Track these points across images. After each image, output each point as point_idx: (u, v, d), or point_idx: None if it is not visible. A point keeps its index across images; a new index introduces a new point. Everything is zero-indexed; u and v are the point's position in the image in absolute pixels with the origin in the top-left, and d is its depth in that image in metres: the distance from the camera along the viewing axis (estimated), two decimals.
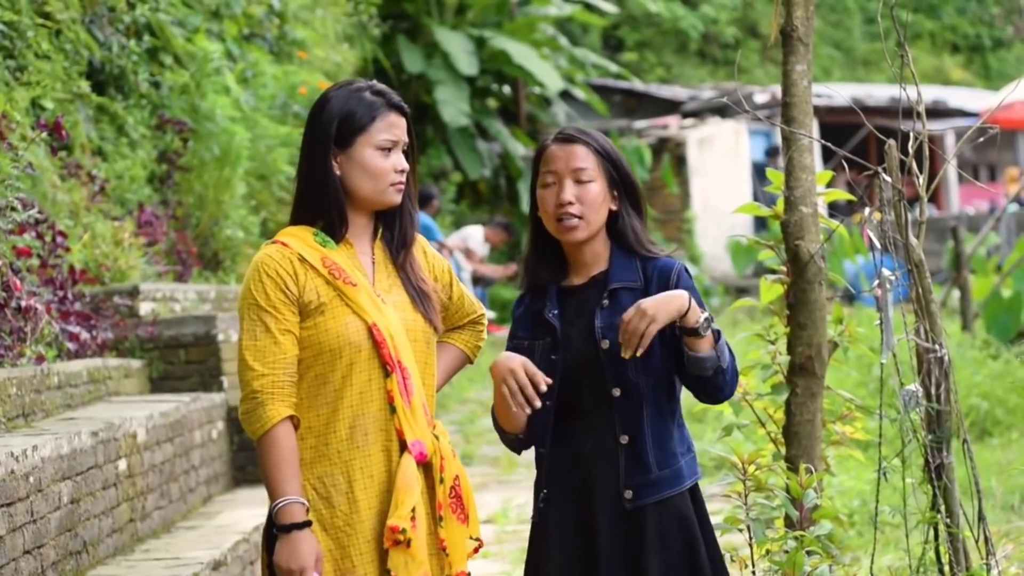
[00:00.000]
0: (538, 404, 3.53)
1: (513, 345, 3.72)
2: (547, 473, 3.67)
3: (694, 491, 3.67)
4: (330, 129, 3.55)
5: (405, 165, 3.58)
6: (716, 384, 3.57)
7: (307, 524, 3.42)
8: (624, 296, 3.61)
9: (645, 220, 3.71)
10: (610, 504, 3.60)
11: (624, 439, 3.59)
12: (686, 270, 3.66)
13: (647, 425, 3.59)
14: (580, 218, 3.62)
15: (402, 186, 3.58)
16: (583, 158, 3.63)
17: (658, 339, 3.56)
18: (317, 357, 3.50)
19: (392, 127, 3.56)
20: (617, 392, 3.59)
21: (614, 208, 3.67)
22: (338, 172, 3.56)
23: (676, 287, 3.58)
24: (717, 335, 3.54)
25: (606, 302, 3.63)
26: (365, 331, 3.50)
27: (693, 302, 3.50)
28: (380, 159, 3.54)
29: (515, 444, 3.72)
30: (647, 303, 3.48)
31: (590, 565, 3.60)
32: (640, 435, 3.59)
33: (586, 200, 3.61)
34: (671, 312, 3.48)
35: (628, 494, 3.57)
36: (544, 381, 3.53)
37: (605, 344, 3.59)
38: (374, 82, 3.63)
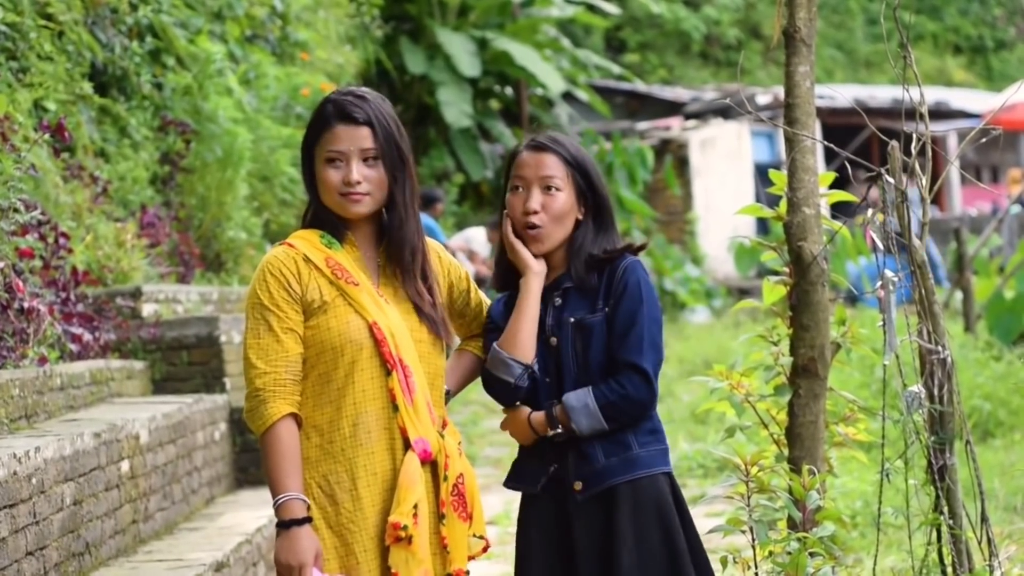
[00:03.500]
0: None
1: (494, 338, 3.78)
2: (522, 464, 3.81)
3: (671, 481, 3.73)
4: (306, 139, 3.63)
5: (357, 176, 3.54)
6: (617, 425, 3.65)
7: (307, 520, 3.45)
8: (575, 296, 3.69)
9: (612, 229, 3.74)
10: (572, 496, 3.68)
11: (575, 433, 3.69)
12: (638, 264, 3.71)
13: None
14: (542, 228, 3.68)
15: (357, 197, 3.55)
16: (552, 167, 3.69)
17: (599, 335, 3.66)
18: (320, 356, 3.53)
19: (338, 139, 3.55)
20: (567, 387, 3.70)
21: (580, 218, 3.73)
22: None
23: (623, 281, 3.66)
24: (572, 417, 3.64)
25: (559, 300, 3.71)
26: (366, 329, 3.53)
27: (534, 421, 3.68)
28: (328, 172, 3.57)
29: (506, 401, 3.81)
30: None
31: (568, 554, 3.69)
32: None
33: (551, 209, 3.67)
34: (525, 435, 3.71)
35: (578, 485, 3.67)
36: None
37: (553, 341, 3.70)
38: (348, 89, 3.64)
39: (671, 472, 3.75)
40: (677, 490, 3.73)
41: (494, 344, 3.72)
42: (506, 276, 3.82)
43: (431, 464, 3.57)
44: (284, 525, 3.43)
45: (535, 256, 3.73)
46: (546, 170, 3.68)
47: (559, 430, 3.65)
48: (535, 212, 3.66)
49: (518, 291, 3.76)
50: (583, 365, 3.67)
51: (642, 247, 3.76)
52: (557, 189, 3.67)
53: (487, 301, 3.88)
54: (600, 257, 3.71)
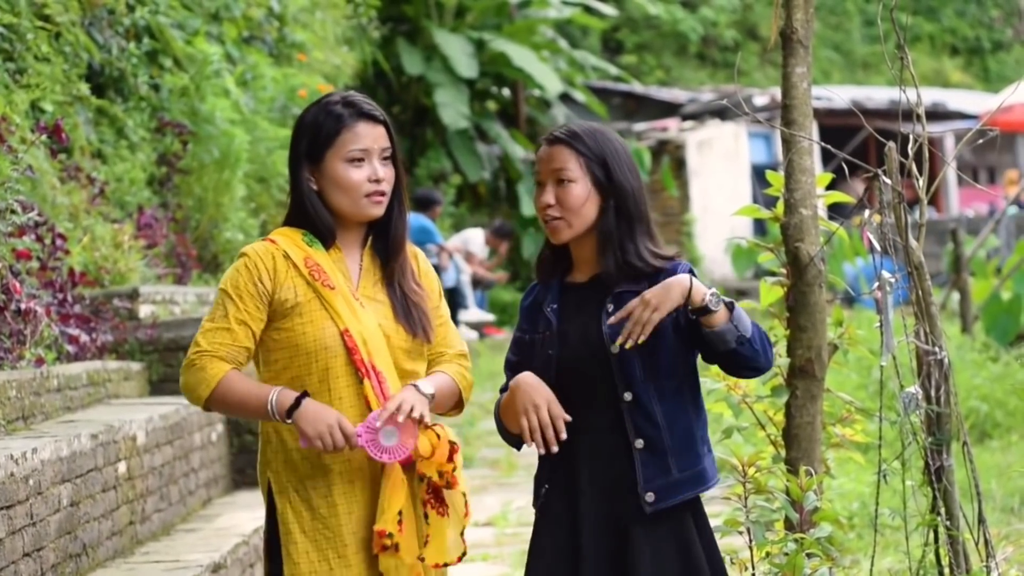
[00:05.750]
0: (555, 449, 3.54)
1: (517, 338, 3.74)
2: (547, 470, 3.67)
3: (695, 499, 3.65)
4: (301, 145, 3.56)
5: (382, 174, 3.55)
6: (746, 355, 3.52)
7: (306, 394, 3.44)
8: (629, 299, 3.56)
9: (642, 222, 3.65)
10: (602, 506, 3.59)
11: (639, 443, 3.56)
12: (691, 271, 3.61)
13: (665, 427, 3.57)
14: (560, 219, 3.62)
15: (380, 197, 3.55)
16: (562, 160, 3.62)
17: (668, 338, 3.56)
18: (293, 359, 3.52)
19: (360, 137, 3.53)
20: (628, 396, 3.57)
21: (602, 207, 3.64)
22: (315, 187, 3.56)
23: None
24: (731, 307, 3.52)
25: (611, 306, 3.59)
26: (338, 336, 3.51)
27: (695, 282, 3.49)
28: (351, 171, 3.53)
29: (516, 442, 3.70)
30: (650, 293, 3.49)
31: (577, 562, 3.61)
32: (658, 438, 3.56)
33: (565, 202, 3.61)
34: (674, 298, 3.48)
35: (649, 497, 3.54)
36: (564, 418, 3.54)
37: (615, 348, 3.55)
38: (350, 92, 3.61)
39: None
40: (701, 510, 3.66)
41: (498, 409, 3.66)
42: (544, 270, 3.74)
43: (411, 467, 3.55)
44: (294, 407, 3.41)
45: (561, 243, 3.67)
46: (556, 163, 3.63)
47: (722, 308, 3.48)
48: (549, 206, 3.62)
49: (547, 286, 3.71)
50: (651, 368, 3.57)
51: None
52: (570, 181, 3.61)
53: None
54: (652, 262, 3.62)
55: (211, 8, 11.78)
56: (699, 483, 3.58)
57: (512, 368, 3.71)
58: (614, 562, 3.57)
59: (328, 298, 3.51)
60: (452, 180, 19.36)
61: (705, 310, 3.48)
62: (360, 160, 3.53)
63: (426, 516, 3.54)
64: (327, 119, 3.53)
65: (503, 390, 3.70)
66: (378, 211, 3.56)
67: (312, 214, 3.56)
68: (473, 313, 15.96)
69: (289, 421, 3.43)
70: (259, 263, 3.53)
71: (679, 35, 31.82)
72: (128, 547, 5.85)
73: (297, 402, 3.43)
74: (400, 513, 3.47)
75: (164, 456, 6.46)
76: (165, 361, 7.79)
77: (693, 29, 31.75)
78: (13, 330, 5.95)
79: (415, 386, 3.50)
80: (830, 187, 4.71)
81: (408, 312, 3.60)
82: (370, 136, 3.54)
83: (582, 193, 3.62)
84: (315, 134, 3.54)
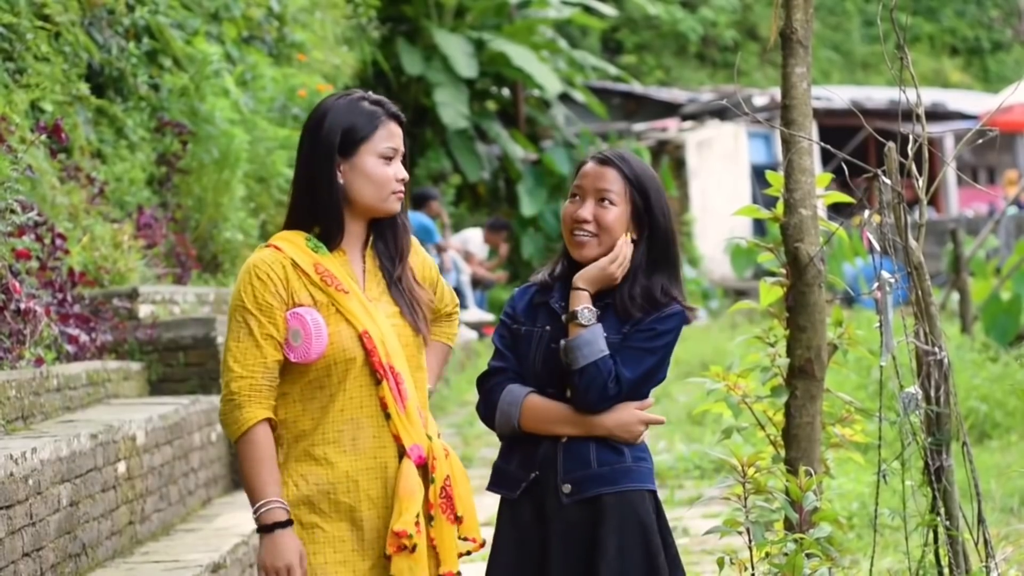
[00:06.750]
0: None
1: (511, 328, 3.78)
2: (504, 468, 3.77)
3: (655, 500, 3.71)
4: (334, 139, 3.57)
5: (405, 175, 3.62)
6: (574, 382, 3.62)
7: (289, 523, 3.46)
8: (610, 314, 3.67)
9: (668, 264, 3.72)
10: (554, 498, 3.67)
11: (564, 437, 3.67)
12: (678, 317, 3.68)
13: None
14: (593, 236, 3.68)
15: (402, 195, 3.62)
16: (611, 181, 3.69)
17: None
18: (312, 364, 3.52)
19: (392, 136, 3.60)
20: (568, 393, 3.68)
21: (634, 238, 3.71)
22: (341, 181, 3.58)
23: (660, 323, 3.66)
24: (594, 334, 3.61)
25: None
26: (356, 339, 3.52)
27: (582, 293, 3.64)
28: (383, 167, 3.58)
29: (511, 433, 3.77)
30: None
31: (541, 557, 3.68)
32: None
33: (603, 221, 3.68)
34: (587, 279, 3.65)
35: (567, 488, 3.65)
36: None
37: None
38: (369, 92, 3.68)
39: (656, 491, 3.75)
40: (661, 510, 3.72)
41: (521, 406, 3.70)
42: (554, 272, 3.79)
43: (422, 468, 3.57)
44: (267, 529, 3.44)
45: (584, 261, 3.71)
46: (603, 183, 3.68)
47: (581, 330, 3.62)
48: (585, 221, 3.68)
49: (548, 287, 3.76)
50: None
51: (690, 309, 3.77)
52: (611, 203, 3.67)
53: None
54: (658, 298, 3.68)
55: (211, 8, 11.77)
56: (618, 480, 3.65)
57: (508, 348, 3.78)
58: (581, 548, 3.64)
59: (342, 302, 3.53)
60: (452, 180, 19.37)
61: (573, 316, 3.63)
62: (390, 158, 3.60)
63: (431, 518, 3.56)
64: (360, 115, 3.58)
65: (491, 371, 3.78)
66: (398, 207, 3.62)
67: (330, 208, 3.57)
68: (473, 313, 15.96)
69: (257, 531, 3.47)
70: (271, 273, 3.54)
71: (679, 35, 31.86)
72: (127, 547, 5.85)
73: (272, 527, 3.44)
74: (417, 516, 3.49)
75: (164, 456, 6.46)
76: (164, 361, 7.79)
77: (693, 29, 31.78)
78: (13, 330, 5.95)
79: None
80: (829, 187, 4.72)
81: (413, 311, 3.63)
82: (398, 136, 3.62)
83: (620, 217, 3.69)
84: (350, 128, 3.57)
